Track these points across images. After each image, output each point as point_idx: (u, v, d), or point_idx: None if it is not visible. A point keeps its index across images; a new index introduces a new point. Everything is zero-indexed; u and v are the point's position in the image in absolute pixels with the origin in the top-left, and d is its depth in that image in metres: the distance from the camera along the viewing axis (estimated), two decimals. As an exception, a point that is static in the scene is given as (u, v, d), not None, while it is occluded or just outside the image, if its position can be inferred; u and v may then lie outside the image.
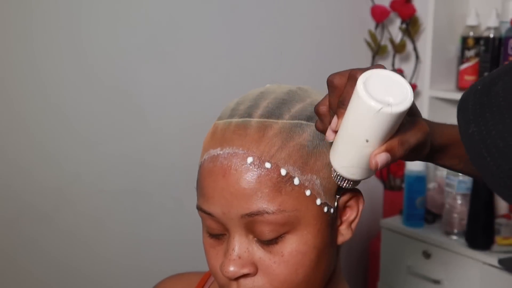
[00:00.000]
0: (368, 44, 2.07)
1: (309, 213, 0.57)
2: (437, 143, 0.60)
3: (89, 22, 1.48)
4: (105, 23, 1.51)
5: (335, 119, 0.53)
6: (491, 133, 0.46)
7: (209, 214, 0.58)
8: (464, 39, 1.84)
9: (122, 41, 1.54)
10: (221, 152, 0.57)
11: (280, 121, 0.58)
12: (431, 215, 1.87)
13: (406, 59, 2.14)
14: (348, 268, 2.12)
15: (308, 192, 0.57)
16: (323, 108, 0.55)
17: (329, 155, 0.57)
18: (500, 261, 1.59)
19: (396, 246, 1.89)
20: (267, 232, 0.56)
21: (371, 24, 2.07)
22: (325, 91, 0.66)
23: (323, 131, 0.56)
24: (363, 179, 0.56)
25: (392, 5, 2.02)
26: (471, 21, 1.82)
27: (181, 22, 1.63)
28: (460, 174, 1.71)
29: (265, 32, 1.82)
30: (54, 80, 1.45)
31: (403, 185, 1.94)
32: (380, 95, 0.49)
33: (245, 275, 0.58)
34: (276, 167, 0.56)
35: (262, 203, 0.55)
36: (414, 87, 2.07)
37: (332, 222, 0.60)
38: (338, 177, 0.56)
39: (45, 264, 1.49)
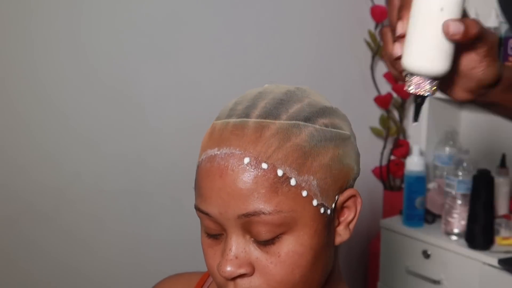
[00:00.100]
0: (368, 44, 2.08)
1: (305, 214, 0.57)
2: (509, 76, 0.63)
3: (89, 21, 1.48)
4: (105, 23, 1.51)
5: (399, 24, 0.57)
6: None
7: (206, 214, 0.59)
8: (464, 39, 1.83)
9: (122, 41, 1.54)
10: (218, 153, 0.57)
11: (277, 121, 0.58)
12: (430, 215, 1.87)
13: (406, 59, 2.14)
14: (347, 268, 2.13)
15: (304, 193, 0.57)
16: (385, 29, 0.60)
17: (327, 155, 0.57)
18: (500, 261, 1.59)
19: (396, 246, 1.89)
20: (264, 233, 0.57)
21: (370, 24, 2.07)
22: (324, 92, 0.66)
23: (392, 55, 0.60)
24: (439, 73, 0.57)
25: (392, 5, 2.02)
26: (471, 21, 1.82)
27: (181, 22, 1.63)
28: (459, 174, 1.72)
29: (265, 32, 1.82)
30: (54, 80, 1.45)
31: (403, 185, 1.94)
32: None
33: (242, 275, 0.58)
34: (273, 168, 0.56)
35: (258, 204, 0.56)
36: (414, 87, 2.07)
37: (329, 223, 0.60)
38: (416, 83, 0.58)
39: (45, 263, 1.49)
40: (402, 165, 2.06)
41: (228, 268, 0.57)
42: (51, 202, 1.48)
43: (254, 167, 0.56)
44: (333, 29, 2.01)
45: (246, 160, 0.56)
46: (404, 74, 0.60)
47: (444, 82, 0.61)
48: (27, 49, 1.40)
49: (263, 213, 0.56)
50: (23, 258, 1.46)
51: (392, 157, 2.14)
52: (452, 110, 2.00)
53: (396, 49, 0.59)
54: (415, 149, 1.86)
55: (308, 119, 0.59)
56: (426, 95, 0.59)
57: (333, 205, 0.60)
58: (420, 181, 1.85)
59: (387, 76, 2.09)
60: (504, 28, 1.75)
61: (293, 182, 0.56)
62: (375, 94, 2.12)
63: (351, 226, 0.63)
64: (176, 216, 1.70)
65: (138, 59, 1.57)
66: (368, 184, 2.14)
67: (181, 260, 1.69)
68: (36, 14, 1.40)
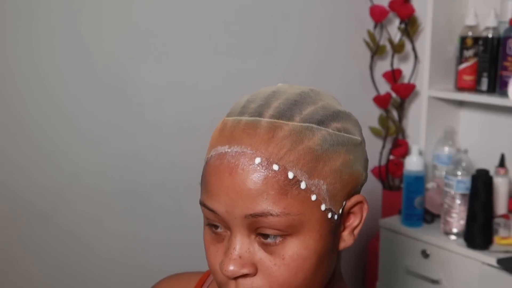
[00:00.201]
0: (367, 44, 2.08)
1: (313, 218, 0.57)
2: None
3: (89, 21, 1.48)
4: (105, 22, 1.51)
5: None
6: None
7: (212, 210, 0.58)
8: (463, 39, 1.84)
9: (121, 41, 1.54)
10: (229, 150, 0.57)
11: (290, 123, 0.57)
12: (429, 215, 1.88)
13: (405, 59, 2.14)
14: (347, 268, 2.13)
15: (313, 197, 0.57)
16: None
17: (338, 159, 0.57)
18: (499, 261, 1.59)
19: (395, 246, 1.90)
20: (270, 234, 0.56)
21: (370, 24, 2.07)
22: (328, 92, 0.66)
23: None
24: None
25: (391, 5, 2.02)
26: (470, 21, 1.82)
27: (181, 22, 1.63)
28: (458, 174, 1.72)
29: (264, 32, 1.82)
30: (54, 79, 1.45)
31: (402, 185, 1.94)
32: None
33: (244, 275, 0.57)
34: (284, 170, 0.55)
35: (267, 205, 0.55)
36: (412, 87, 2.07)
37: (335, 228, 0.60)
38: None
39: (44, 263, 1.49)
40: (401, 165, 2.06)
41: (231, 268, 0.57)
42: (50, 202, 1.48)
43: (265, 167, 0.55)
44: (332, 28, 2.01)
45: (258, 160, 0.55)
46: None
47: None
48: (27, 49, 1.40)
49: (271, 214, 0.55)
50: (22, 257, 1.46)
51: (391, 157, 2.14)
52: (451, 110, 2.00)
53: None
54: (414, 149, 1.86)
55: (321, 122, 0.59)
56: None
57: (340, 211, 0.60)
58: (419, 180, 1.85)
59: (386, 76, 2.09)
60: (502, 28, 1.75)
61: (303, 185, 0.56)
62: (374, 94, 2.12)
63: (356, 232, 0.63)
64: (176, 215, 1.70)
65: (138, 58, 1.57)
66: (367, 183, 2.11)
67: (181, 260, 1.69)
68: (37, 12, 1.39)
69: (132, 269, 1.64)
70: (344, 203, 0.60)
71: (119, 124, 1.57)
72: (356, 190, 0.62)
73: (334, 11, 2.00)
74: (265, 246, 0.57)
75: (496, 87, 1.77)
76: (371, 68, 2.10)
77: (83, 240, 1.55)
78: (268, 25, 1.82)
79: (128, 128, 1.58)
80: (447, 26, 1.92)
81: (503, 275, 1.59)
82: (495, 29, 1.76)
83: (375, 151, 2.13)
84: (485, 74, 1.79)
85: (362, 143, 0.63)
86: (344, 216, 0.62)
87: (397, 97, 2.12)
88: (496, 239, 1.67)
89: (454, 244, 1.72)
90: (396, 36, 2.09)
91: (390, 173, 2.12)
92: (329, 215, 0.58)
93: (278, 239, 0.57)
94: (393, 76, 2.07)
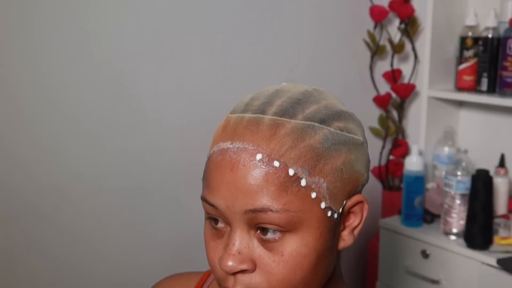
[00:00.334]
0: (367, 44, 2.08)
1: (312, 216, 0.57)
2: None
3: (91, 20, 1.48)
4: (106, 20, 1.51)
5: None
6: None
7: (212, 205, 0.59)
8: (463, 39, 1.84)
9: (122, 40, 1.54)
10: (231, 146, 0.57)
11: (293, 120, 0.58)
12: (429, 215, 1.88)
13: (404, 59, 2.14)
14: (346, 268, 2.13)
15: (313, 195, 0.57)
16: None
17: (339, 158, 0.57)
18: (499, 261, 1.59)
19: (395, 246, 1.90)
20: (269, 230, 0.57)
21: (369, 24, 2.07)
22: (331, 92, 0.66)
23: None
24: None
25: (391, 5, 2.02)
26: (470, 21, 1.82)
27: (181, 21, 1.63)
28: (458, 174, 1.72)
29: (264, 32, 1.82)
30: (54, 78, 1.45)
31: (402, 185, 1.94)
32: None
33: (243, 271, 0.58)
34: (285, 167, 0.56)
35: (267, 201, 0.56)
36: (412, 87, 2.07)
37: (334, 227, 0.60)
38: None
39: (45, 262, 1.49)
40: (401, 165, 2.06)
41: (230, 263, 0.57)
42: (51, 201, 1.48)
43: (266, 164, 0.56)
44: (332, 28, 2.01)
45: (259, 156, 0.56)
46: None
47: None
48: (28, 48, 1.40)
49: (271, 210, 0.55)
50: (23, 255, 1.46)
51: (391, 157, 2.14)
52: (451, 110, 2.00)
53: None
54: (414, 149, 1.86)
55: (323, 121, 0.59)
56: None
57: (340, 210, 0.60)
58: (419, 181, 1.85)
59: (386, 76, 2.09)
60: (502, 28, 1.75)
61: (303, 182, 0.56)
62: (374, 94, 2.12)
63: (356, 232, 0.63)
64: (176, 214, 1.70)
65: (138, 58, 1.57)
66: (367, 184, 2.14)
67: (181, 259, 1.70)
68: (38, 11, 1.39)
69: (132, 268, 1.64)
70: (344, 202, 0.60)
71: (120, 123, 1.57)
72: (357, 190, 0.62)
73: (334, 11, 2.00)
74: (264, 243, 0.57)
75: (496, 87, 1.77)
76: (371, 68, 2.10)
77: (84, 239, 1.55)
78: (268, 25, 1.82)
79: (129, 127, 1.58)
80: (447, 26, 1.92)
81: (503, 275, 1.59)
82: (495, 29, 1.77)
83: (375, 151, 2.13)
84: (485, 74, 1.79)
85: (364, 143, 0.63)
86: (344, 216, 0.62)
87: (397, 97, 2.12)
88: (496, 239, 1.67)
89: (454, 244, 1.72)
90: (396, 36, 2.09)
91: (390, 173, 2.12)
92: (329, 214, 0.59)
93: (278, 235, 0.57)
94: (393, 76, 2.07)
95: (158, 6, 1.59)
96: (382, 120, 2.14)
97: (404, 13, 2.00)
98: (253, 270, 0.58)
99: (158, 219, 1.68)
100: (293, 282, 0.58)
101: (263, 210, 0.56)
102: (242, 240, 0.58)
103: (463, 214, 1.72)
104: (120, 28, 1.54)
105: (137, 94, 1.59)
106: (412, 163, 1.85)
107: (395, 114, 2.15)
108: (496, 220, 1.70)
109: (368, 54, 2.09)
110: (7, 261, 1.44)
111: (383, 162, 2.15)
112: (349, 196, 0.61)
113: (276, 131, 0.57)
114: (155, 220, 1.67)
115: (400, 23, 2.06)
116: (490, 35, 1.77)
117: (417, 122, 2.07)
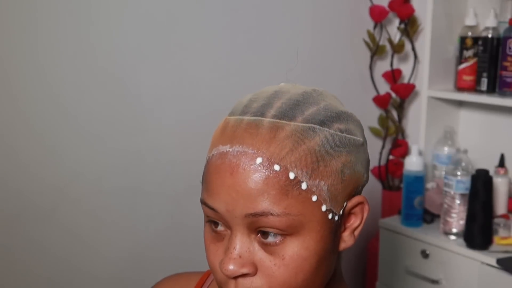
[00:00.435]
0: (367, 44, 2.08)
1: (313, 219, 0.57)
2: None
3: (92, 19, 1.48)
4: (106, 20, 1.51)
5: None
6: None
7: (212, 209, 0.58)
8: (463, 39, 1.84)
9: (122, 39, 1.54)
10: (231, 150, 0.57)
11: (292, 123, 0.57)
12: (429, 215, 1.88)
13: (404, 59, 2.14)
14: (347, 268, 2.13)
15: (314, 198, 0.57)
16: None
17: (340, 161, 0.57)
18: (498, 261, 1.59)
19: (395, 246, 1.90)
20: (270, 234, 0.56)
21: (369, 24, 2.07)
22: (330, 92, 0.66)
23: None
24: None
25: (391, 5, 2.02)
26: (470, 21, 1.82)
27: (182, 20, 1.63)
28: (458, 174, 1.72)
29: (264, 32, 1.82)
30: (55, 78, 1.45)
31: (402, 185, 1.94)
32: None
33: (244, 275, 0.57)
34: (285, 170, 0.55)
35: (267, 205, 0.55)
36: (412, 87, 2.07)
37: (335, 229, 0.60)
38: None
39: (45, 261, 1.49)
40: (400, 165, 2.06)
41: (231, 267, 0.56)
42: (51, 200, 1.48)
43: (266, 168, 0.55)
44: (332, 28, 2.01)
45: (259, 160, 0.55)
46: None
47: None
48: (29, 47, 1.40)
49: (272, 214, 0.55)
50: (23, 255, 1.46)
51: (391, 157, 2.14)
52: (451, 109, 2.00)
53: None
54: (413, 149, 1.86)
55: (323, 123, 0.58)
56: None
57: (341, 211, 0.60)
58: (419, 180, 1.85)
59: (386, 76, 2.09)
60: (502, 28, 1.75)
61: (304, 186, 0.56)
62: (373, 94, 2.12)
63: (356, 232, 0.63)
64: (176, 214, 1.70)
65: (138, 57, 1.57)
66: (367, 184, 2.14)
67: (181, 259, 1.70)
68: (39, 11, 1.39)
69: (132, 268, 1.64)
70: (344, 203, 0.60)
71: (120, 123, 1.57)
72: (357, 191, 0.62)
73: (334, 11, 2.00)
74: (265, 246, 0.57)
75: (496, 87, 1.77)
76: (371, 68, 2.10)
77: (84, 238, 1.55)
78: (267, 25, 1.82)
79: (129, 127, 1.58)
80: (446, 26, 1.92)
81: (502, 275, 1.59)
82: (494, 29, 1.76)
83: (375, 151, 2.13)
84: (484, 74, 1.79)
85: (364, 144, 0.63)
86: (345, 217, 0.62)
87: (396, 97, 2.12)
88: (496, 239, 1.67)
89: (453, 244, 1.72)
90: (396, 36, 2.09)
91: (390, 173, 2.12)
92: (330, 216, 0.58)
93: (278, 239, 0.56)
94: (393, 76, 2.07)
95: (159, 6, 1.59)
96: (382, 120, 2.14)
97: (404, 13, 2.00)
98: (254, 273, 0.57)
99: (158, 219, 1.68)
100: (294, 285, 0.57)
101: (263, 214, 0.55)
102: (242, 243, 0.57)
103: (463, 214, 1.72)
104: (120, 28, 1.54)
105: (137, 94, 1.59)
106: (412, 163, 1.85)
107: (395, 114, 2.15)
108: (496, 220, 1.70)
109: (368, 54, 2.09)
110: (8, 260, 1.44)
111: (383, 162, 2.15)
112: (349, 198, 0.61)
113: (276, 134, 0.56)
114: (154, 219, 1.67)
115: (400, 23, 2.06)
116: (490, 35, 1.77)
117: (417, 122, 2.07)
